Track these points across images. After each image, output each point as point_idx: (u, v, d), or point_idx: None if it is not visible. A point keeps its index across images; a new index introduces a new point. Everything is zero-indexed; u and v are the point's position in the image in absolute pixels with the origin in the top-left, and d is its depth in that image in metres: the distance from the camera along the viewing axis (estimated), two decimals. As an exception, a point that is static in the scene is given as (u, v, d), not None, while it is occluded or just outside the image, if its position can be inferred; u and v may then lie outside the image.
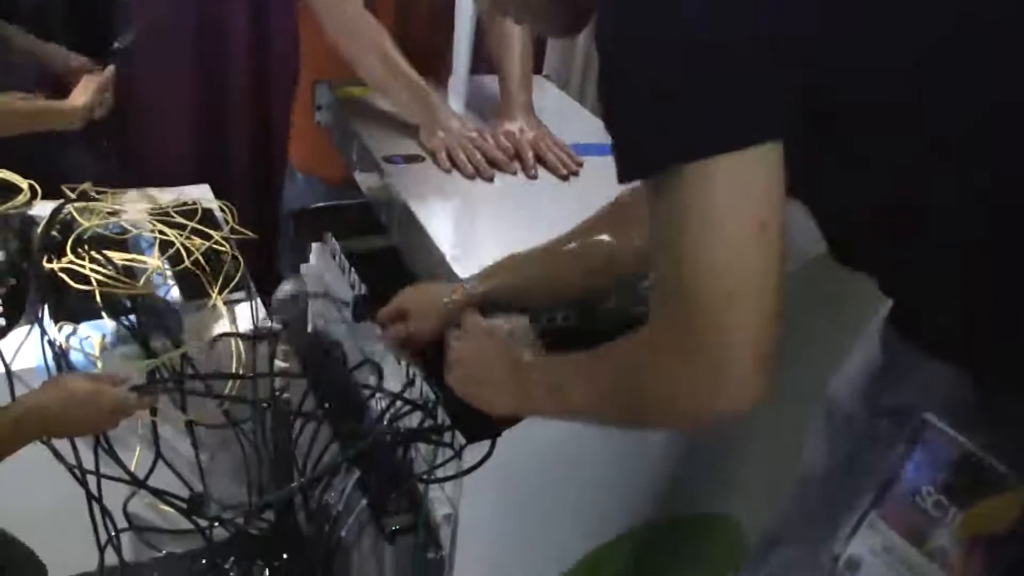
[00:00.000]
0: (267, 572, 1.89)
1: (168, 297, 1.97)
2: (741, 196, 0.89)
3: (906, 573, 1.03)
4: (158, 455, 1.81)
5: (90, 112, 2.14)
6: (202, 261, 2.05)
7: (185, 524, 1.78)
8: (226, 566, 1.92)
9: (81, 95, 2.11)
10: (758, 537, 1.38)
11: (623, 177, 0.95)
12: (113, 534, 1.79)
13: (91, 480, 1.71)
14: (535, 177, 1.76)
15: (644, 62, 0.90)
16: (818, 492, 1.19)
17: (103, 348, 1.85)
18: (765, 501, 1.38)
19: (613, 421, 1.20)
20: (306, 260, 1.98)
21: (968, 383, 0.99)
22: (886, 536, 1.05)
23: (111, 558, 1.84)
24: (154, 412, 1.77)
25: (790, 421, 1.44)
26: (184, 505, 1.69)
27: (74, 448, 1.69)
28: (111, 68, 2.14)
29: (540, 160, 1.79)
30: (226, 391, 1.79)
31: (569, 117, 2.10)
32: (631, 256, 1.33)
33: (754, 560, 1.33)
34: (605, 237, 1.38)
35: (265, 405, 1.69)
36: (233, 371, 1.84)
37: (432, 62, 2.05)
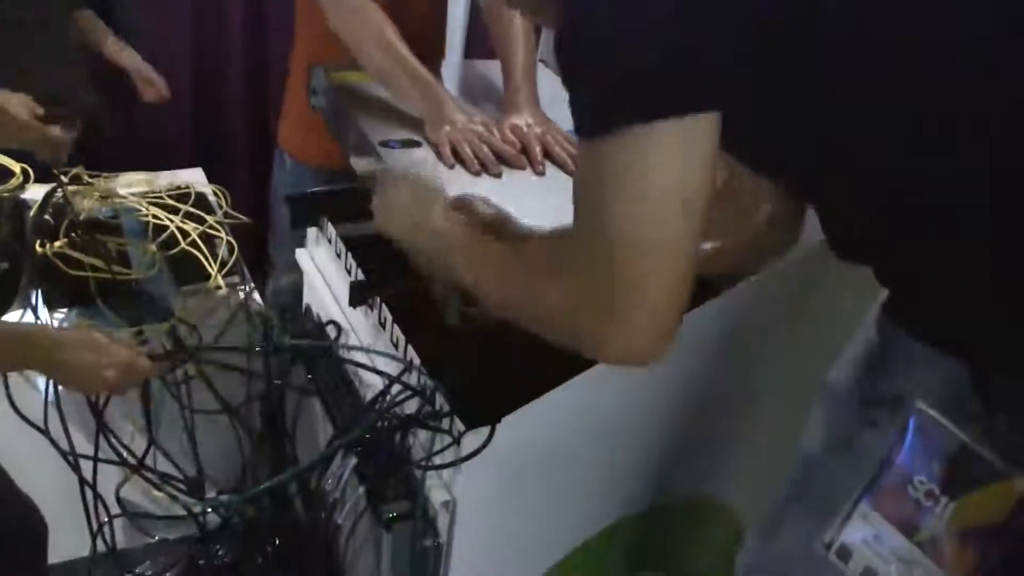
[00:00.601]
0: (260, 559, 1.88)
1: (161, 282, 1.96)
2: (669, 169, 0.91)
3: (897, 563, 1.03)
4: (151, 441, 1.79)
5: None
6: (199, 242, 2.04)
7: (178, 510, 1.77)
8: (219, 551, 1.92)
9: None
10: (754, 523, 1.38)
11: (578, 132, 0.97)
12: (106, 520, 1.78)
13: (85, 465, 1.70)
14: (543, 174, 1.74)
15: (595, 28, 0.92)
16: (813, 479, 1.19)
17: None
18: (761, 487, 1.38)
19: (508, 315, 1.18)
20: (302, 245, 1.97)
21: (963, 372, 0.99)
22: (877, 525, 1.04)
23: (103, 544, 1.83)
24: (148, 400, 1.76)
25: (786, 407, 1.44)
26: (183, 487, 1.68)
27: (66, 433, 1.68)
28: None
29: (547, 155, 1.77)
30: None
31: (565, 103, 2.08)
32: None
33: (750, 547, 1.33)
34: None
35: (278, 382, 1.68)
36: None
37: (429, 47, 2.04)
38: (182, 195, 2.21)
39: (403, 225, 1.37)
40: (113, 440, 1.69)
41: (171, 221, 2.06)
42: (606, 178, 0.92)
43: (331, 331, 1.76)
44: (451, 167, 1.69)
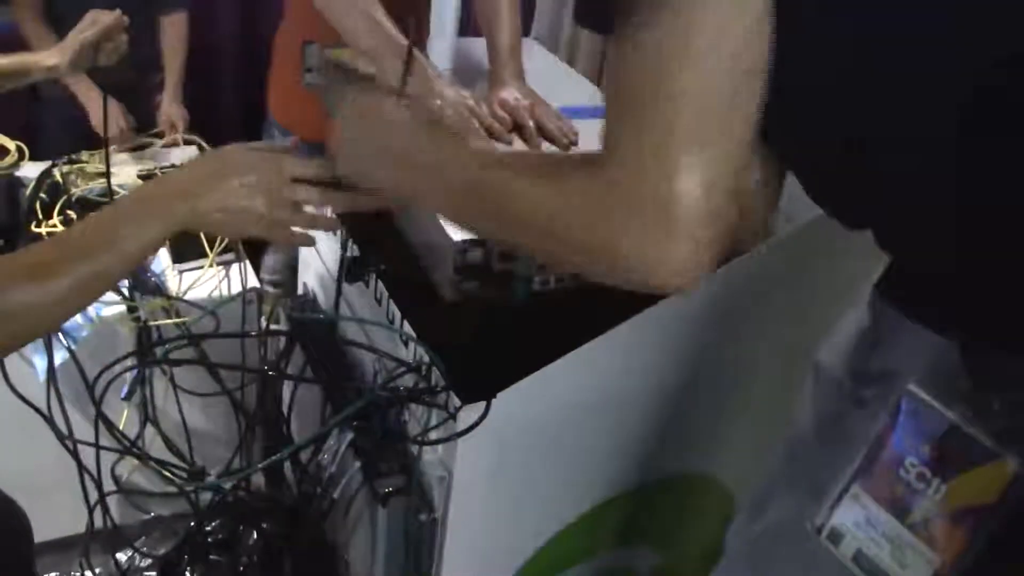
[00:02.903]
0: (255, 534, 1.89)
1: (156, 259, 1.96)
2: (724, 32, 0.85)
3: (887, 545, 1.03)
4: (146, 420, 1.80)
5: (80, 58, 1.93)
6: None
7: (172, 487, 1.77)
8: (214, 527, 1.92)
9: (69, 43, 1.93)
10: (743, 498, 1.39)
11: (582, 20, 0.93)
12: (101, 497, 1.78)
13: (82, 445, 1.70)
14: (538, 147, 1.74)
15: None
16: (803, 459, 1.19)
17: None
18: (754, 464, 1.39)
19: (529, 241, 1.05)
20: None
21: (954, 351, 0.99)
22: (869, 508, 1.04)
23: (98, 520, 1.84)
24: (144, 381, 1.76)
25: (780, 384, 1.45)
26: (184, 475, 1.68)
27: (65, 415, 1.69)
28: (118, 12, 2.01)
29: (540, 130, 1.76)
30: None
31: (559, 79, 2.08)
32: None
33: (740, 525, 1.33)
34: None
35: (271, 373, 1.66)
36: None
37: (415, 25, 2.02)
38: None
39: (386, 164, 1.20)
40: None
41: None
42: (651, 53, 0.86)
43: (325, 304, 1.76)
44: None
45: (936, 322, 1.00)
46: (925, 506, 1.00)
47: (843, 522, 1.07)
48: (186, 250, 2.01)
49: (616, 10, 0.89)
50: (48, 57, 1.90)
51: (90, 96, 2.46)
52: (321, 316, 1.76)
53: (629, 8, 0.88)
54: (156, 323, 1.85)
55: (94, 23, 1.88)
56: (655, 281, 0.91)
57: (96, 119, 2.45)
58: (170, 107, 2.78)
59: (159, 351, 1.71)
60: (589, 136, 1.76)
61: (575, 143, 1.77)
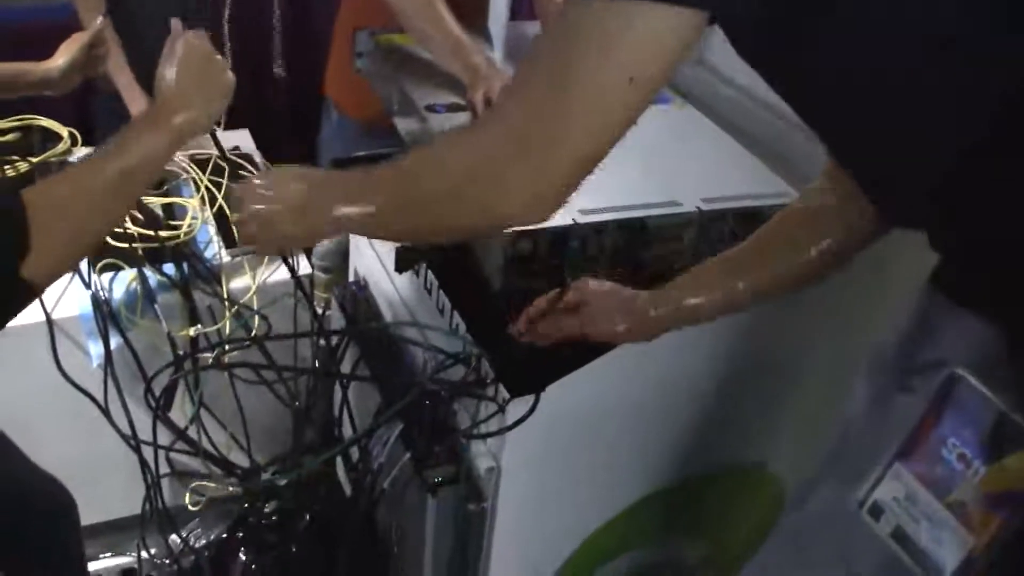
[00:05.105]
0: (308, 518, 1.90)
1: (209, 245, 1.97)
2: (641, 47, 0.93)
3: (926, 523, 1.03)
4: (199, 407, 1.82)
5: (75, 72, 1.91)
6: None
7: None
8: (267, 509, 1.94)
9: (61, 55, 1.89)
10: (795, 485, 1.38)
11: None
12: (155, 480, 1.81)
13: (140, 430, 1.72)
14: None
15: None
16: (852, 444, 1.19)
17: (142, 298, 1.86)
18: (804, 454, 1.38)
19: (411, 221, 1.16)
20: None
21: (1004, 341, 0.98)
22: (910, 486, 1.05)
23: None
24: (197, 364, 1.78)
25: (831, 374, 1.43)
26: (239, 474, 1.70)
27: (124, 404, 1.71)
28: (100, 21, 1.95)
29: None
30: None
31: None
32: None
33: (790, 509, 1.33)
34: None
35: (326, 374, 1.68)
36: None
37: (471, 9, 2.02)
38: (229, 156, 2.22)
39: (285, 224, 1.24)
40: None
41: (205, 182, 2.07)
42: (582, 36, 0.95)
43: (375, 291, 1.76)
44: None
45: (990, 311, 1.00)
46: (964, 488, 1.00)
47: (884, 498, 1.08)
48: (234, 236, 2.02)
49: None
50: (41, 65, 1.88)
51: (132, 94, 2.46)
52: (373, 325, 1.76)
53: None
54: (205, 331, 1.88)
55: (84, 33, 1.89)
56: (507, 204, 1.04)
57: (136, 111, 2.44)
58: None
59: (214, 353, 1.74)
60: (656, 122, 1.74)
61: None
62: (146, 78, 2.06)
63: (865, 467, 1.10)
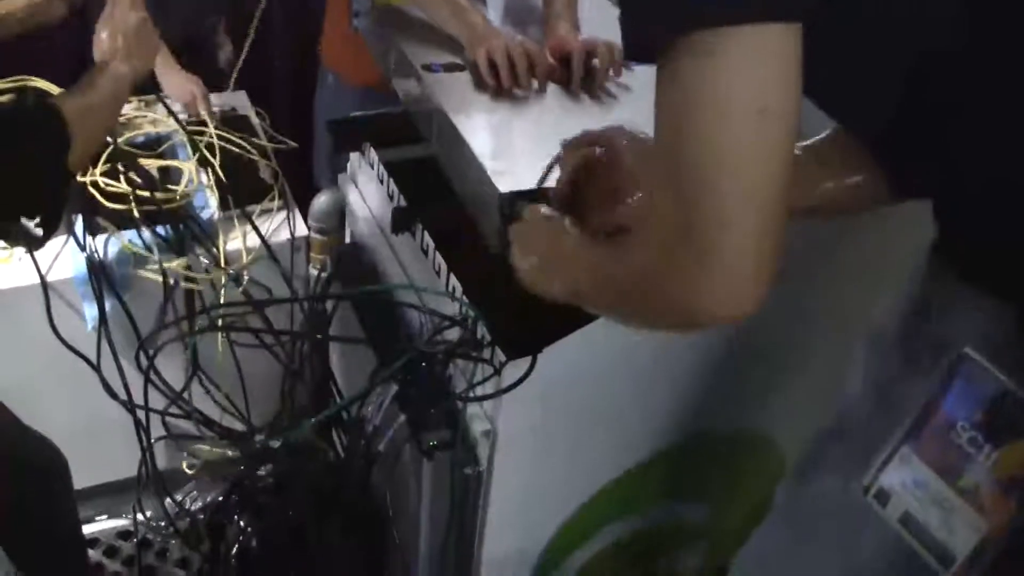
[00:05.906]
0: (303, 481, 1.89)
1: (204, 206, 1.96)
2: (743, 77, 0.82)
3: (935, 508, 1.02)
4: (194, 371, 1.81)
5: None
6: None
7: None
8: (262, 472, 1.93)
9: None
10: (795, 458, 1.37)
11: (629, 54, 0.90)
12: (149, 444, 1.80)
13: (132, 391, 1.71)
14: (594, 94, 1.71)
15: None
16: (854, 422, 1.18)
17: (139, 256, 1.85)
18: (803, 422, 1.37)
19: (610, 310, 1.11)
20: (343, 170, 1.95)
21: (1010, 316, 0.97)
22: (918, 470, 1.04)
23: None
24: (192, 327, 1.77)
25: (833, 346, 1.42)
26: (233, 437, 1.70)
27: (118, 365, 1.70)
28: None
29: (589, 73, 1.72)
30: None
31: (609, 25, 2.04)
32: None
33: (790, 485, 1.32)
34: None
35: (319, 336, 1.67)
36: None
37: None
38: (225, 118, 2.21)
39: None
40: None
41: (214, 143, 2.06)
42: (678, 93, 0.84)
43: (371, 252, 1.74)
44: (491, 86, 1.66)
45: (993, 285, 0.98)
46: (976, 471, 0.99)
47: (891, 483, 1.06)
48: (234, 196, 2.00)
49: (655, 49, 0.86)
50: None
51: (168, 73, 2.44)
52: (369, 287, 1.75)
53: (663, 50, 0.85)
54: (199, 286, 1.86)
55: None
56: (705, 309, 0.90)
57: (170, 91, 2.42)
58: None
59: (212, 315, 1.73)
60: (647, 88, 1.72)
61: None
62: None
63: (869, 449, 1.09)
